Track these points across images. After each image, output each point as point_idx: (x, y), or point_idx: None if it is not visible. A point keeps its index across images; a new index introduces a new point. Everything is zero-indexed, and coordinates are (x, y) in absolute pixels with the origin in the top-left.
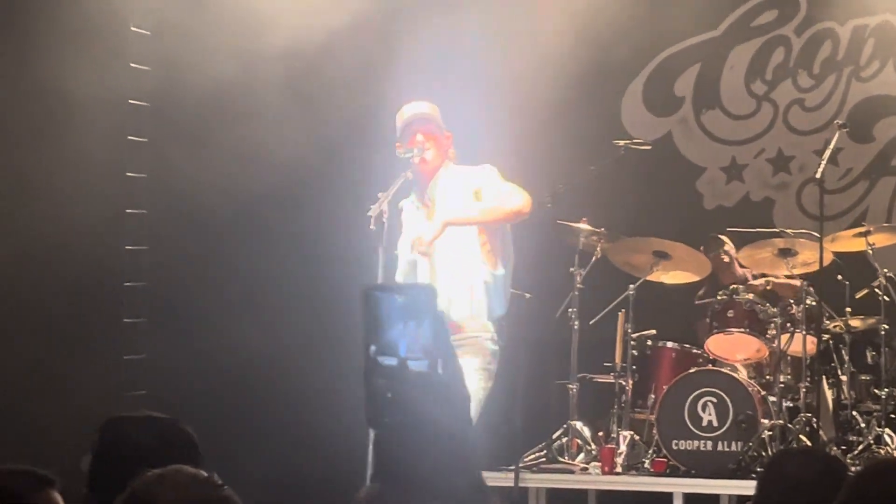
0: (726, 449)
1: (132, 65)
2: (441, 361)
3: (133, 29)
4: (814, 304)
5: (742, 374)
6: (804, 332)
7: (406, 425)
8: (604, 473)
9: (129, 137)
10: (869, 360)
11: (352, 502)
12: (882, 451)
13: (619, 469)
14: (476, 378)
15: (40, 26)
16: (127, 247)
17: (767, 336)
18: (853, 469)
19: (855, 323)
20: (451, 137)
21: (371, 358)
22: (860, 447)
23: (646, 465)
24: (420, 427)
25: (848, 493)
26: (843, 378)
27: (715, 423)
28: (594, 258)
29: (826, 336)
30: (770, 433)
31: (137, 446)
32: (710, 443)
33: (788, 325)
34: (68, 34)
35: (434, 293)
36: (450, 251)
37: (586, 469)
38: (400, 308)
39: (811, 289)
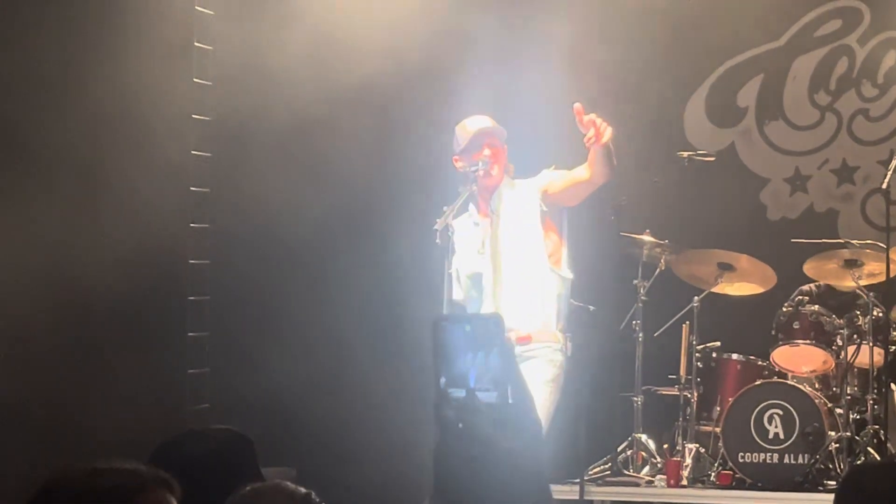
0: (793, 461)
1: (196, 80)
2: (510, 391)
3: (197, 45)
4: (881, 314)
5: (808, 387)
6: (871, 344)
7: (477, 456)
8: (669, 486)
9: (193, 152)
10: None
11: None
12: None
13: (684, 482)
14: (546, 391)
15: (107, 41)
16: (191, 261)
17: (834, 348)
18: None
19: None
20: (506, 151)
21: (441, 389)
22: None
23: (711, 478)
24: (491, 457)
25: (842, 488)
26: None
27: (781, 436)
28: (658, 270)
29: (893, 347)
30: (837, 445)
31: (192, 458)
32: (776, 455)
33: (855, 336)
34: (134, 49)
35: (501, 322)
36: (517, 260)
37: (652, 482)
38: (468, 338)
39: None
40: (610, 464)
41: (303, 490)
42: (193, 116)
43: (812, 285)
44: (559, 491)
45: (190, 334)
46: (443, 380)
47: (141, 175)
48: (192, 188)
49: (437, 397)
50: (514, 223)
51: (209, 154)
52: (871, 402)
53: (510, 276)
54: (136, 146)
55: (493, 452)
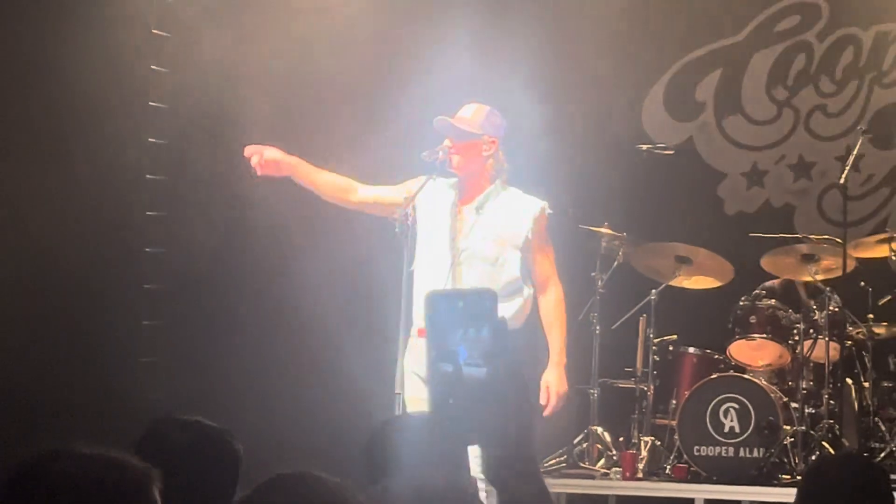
0: (748, 455)
1: (153, 67)
2: (501, 367)
3: (154, 31)
4: (837, 310)
5: (764, 381)
6: (827, 339)
7: (466, 430)
8: (624, 479)
9: (150, 140)
10: (892, 366)
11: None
12: None
13: (640, 474)
14: None
15: (61, 28)
16: (146, 249)
17: (790, 342)
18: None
19: (878, 329)
20: (496, 143)
21: (432, 364)
22: (882, 454)
23: (667, 471)
24: (481, 434)
25: (805, 480)
26: (866, 384)
27: (737, 430)
28: (616, 263)
29: (849, 342)
30: (792, 440)
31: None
32: (731, 449)
33: (811, 331)
34: (89, 36)
35: (495, 298)
36: (484, 265)
37: (607, 474)
38: (460, 313)
39: (835, 295)
40: (566, 456)
41: (337, 479)
42: (150, 104)
43: (775, 281)
44: None
45: (145, 322)
46: (434, 354)
47: (97, 162)
48: (148, 176)
49: (428, 372)
50: (493, 228)
51: (165, 141)
52: (827, 396)
53: (471, 272)
54: (92, 134)
55: (482, 429)
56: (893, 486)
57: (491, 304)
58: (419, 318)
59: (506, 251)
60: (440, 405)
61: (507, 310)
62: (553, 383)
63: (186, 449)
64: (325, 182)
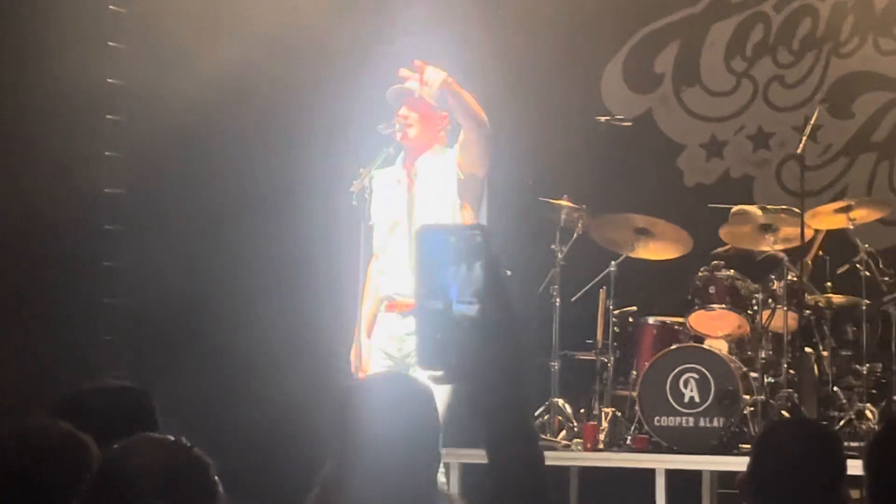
0: (708, 425)
1: (109, 43)
2: (494, 304)
3: (111, 8)
4: (795, 279)
5: (723, 351)
6: (785, 308)
7: (455, 367)
8: (586, 450)
9: (107, 116)
10: (850, 335)
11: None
12: (863, 427)
13: (600, 446)
14: None
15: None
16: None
17: (749, 312)
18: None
19: (836, 299)
20: (447, 119)
21: (420, 302)
22: (841, 422)
23: (628, 442)
24: (470, 371)
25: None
26: (825, 354)
27: (696, 400)
28: (575, 235)
29: (807, 312)
30: (752, 409)
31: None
32: (691, 419)
33: (770, 300)
34: (45, 13)
35: (488, 233)
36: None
37: (568, 446)
38: (451, 250)
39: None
40: None
41: (171, 437)
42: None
43: (721, 249)
44: (476, 455)
45: (106, 301)
46: (422, 291)
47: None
48: (106, 153)
49: (416, 310)
50: (430, 189)
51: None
52: (786, 366)
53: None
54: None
55: (471, 364)
56: (846, 452)
57: (483, 240)
58: (391, 289)
59: (446, 210)
60: (426, 342)
61: None
62: None
63: (103, 412)
64: None
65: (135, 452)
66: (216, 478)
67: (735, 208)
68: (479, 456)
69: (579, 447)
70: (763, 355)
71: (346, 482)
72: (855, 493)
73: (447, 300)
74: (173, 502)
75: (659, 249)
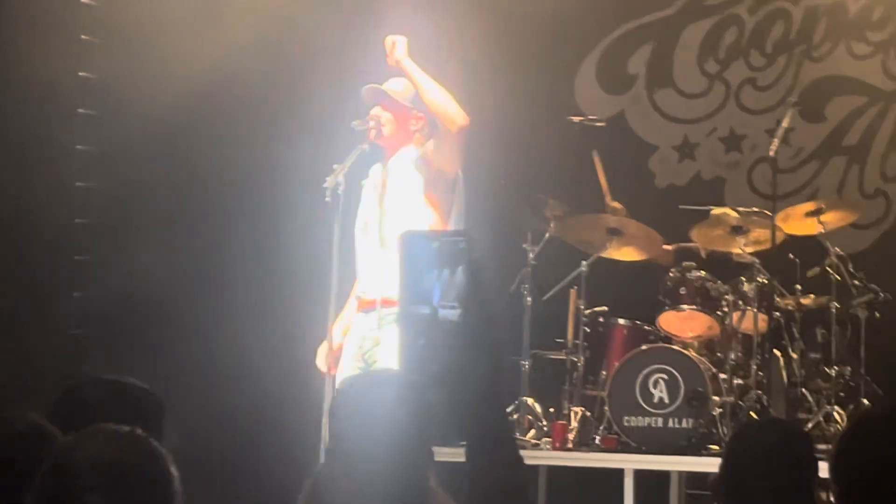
0: (677, 426)
1: (82, 37)
2: (475, 309)
3: (83, 1)
4: (765, 281)
5: (693, 352)
6: (755, 310)
7: (435, 371)
8: (554, 449)
9: (79, 110)
10: (819, 338)
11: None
12: (831, 430)
13: (570, 445)
14: None
15: None
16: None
17: (719, 313)
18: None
19: (806, 301)
20: (424, 120)
21: (404, 306)
22: (810, 425)
23: (597, 442)
24: (451, 376)
25: (730, 444)
26: (794, 356)
27: (666, 400)
28: (547, 234)
29: (777, 314)
30: (721, 410)
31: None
32: (660, 420)
33: (740, 302)
34: (16, 6)
35: (470, 239)
36: (396, 226)
37: (537, 445)
38: (435, 255)
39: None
40: None
41: (126, 427)
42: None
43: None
44: (447, 453)
45: (75, 294)
46: (406, 296)
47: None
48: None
49: (399, 314)
50: (401, 188)
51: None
52: (755, 367)
53: (391, 240)
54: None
55: (452, 370)
56: (817, 454)
57: (466, 246)
58: (367, 288)
59: (416, 209)
60: (410, 347)
61: None
62: None
63: (103, 406)
64: None
65: (86, 444)
66: (173, 470)
67: (715, 210)
68: (454, 454)
69: (548, 446)
70: (733, 357)
71: (338, 480)
72: (823, 496)
73: (431, 304)
74: (122, 496)
75: (630, 250)
